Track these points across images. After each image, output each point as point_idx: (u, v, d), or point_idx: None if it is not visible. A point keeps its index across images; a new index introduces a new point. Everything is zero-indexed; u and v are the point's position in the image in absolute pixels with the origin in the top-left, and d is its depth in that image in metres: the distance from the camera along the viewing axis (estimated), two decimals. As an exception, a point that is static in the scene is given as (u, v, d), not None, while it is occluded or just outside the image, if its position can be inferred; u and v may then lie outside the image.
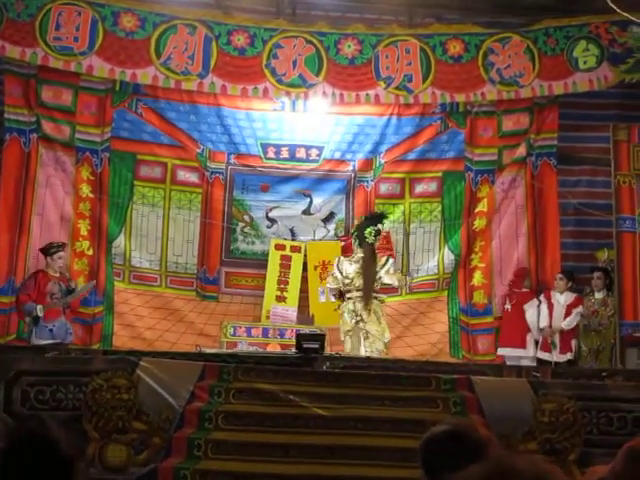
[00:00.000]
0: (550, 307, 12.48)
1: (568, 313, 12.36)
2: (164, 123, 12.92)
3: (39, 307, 11.12)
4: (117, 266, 12.62)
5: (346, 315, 11.21)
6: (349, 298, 11.24)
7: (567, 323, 12.32)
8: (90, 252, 12.47)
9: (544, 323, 12.48)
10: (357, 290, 11.23)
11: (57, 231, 12.40)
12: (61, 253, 11.61)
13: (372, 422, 7.43)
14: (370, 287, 11.26)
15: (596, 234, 13.33)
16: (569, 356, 12.30)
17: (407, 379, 7.78)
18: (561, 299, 12.47)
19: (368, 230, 11.30)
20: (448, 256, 13.17)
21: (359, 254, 11.39)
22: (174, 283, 12.86)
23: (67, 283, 11.54)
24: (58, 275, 11.51)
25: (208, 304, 12.87)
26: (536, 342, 12.57)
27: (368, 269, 11.27)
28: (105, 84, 12.58)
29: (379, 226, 11.45)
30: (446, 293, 13.07)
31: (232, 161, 13.09)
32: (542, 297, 12.65)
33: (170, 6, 12.50)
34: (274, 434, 7.30)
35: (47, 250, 11.63)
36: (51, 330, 11.18)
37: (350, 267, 11.34)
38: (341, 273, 11.36)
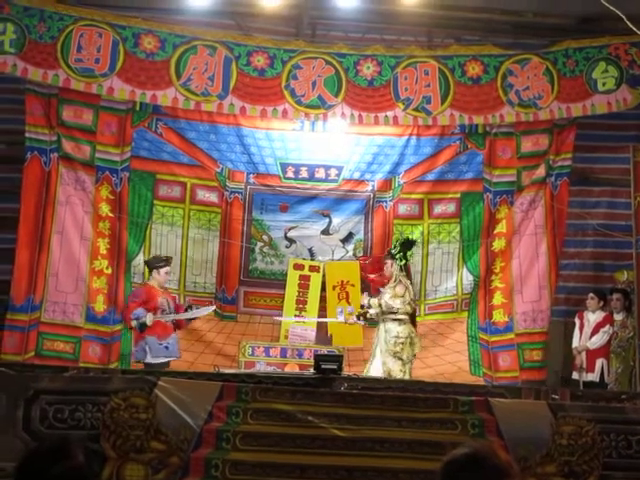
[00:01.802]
0: (581, 327, 12.42)
1: (595, 332, 12.28)
2: (184, 143, 12.97)
3: (149, 315, 10.84)
4: (136, 285, 12.64)
5: (417, 340, 11.49)
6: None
7: (593, 342, 12.20)
8: (109, 271, 12.51)
9: (575, 343, 12.43)
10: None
11: (77, 250, 12.45)
12: (167, 268, 11.38)
13: (390, 443, 7.41)
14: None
15: (616, 255, 13.32)
16: (591, 377, 12.21)
17: (425, 400, 7.74)
18: (591, 318, 12.39)
19: (410, 252, 11.66)
20: (467, 277, 13.15)
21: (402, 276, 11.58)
22: (193, 303, 12.85)
23: (185, 305, 11.54)
24: (162, 290, 11.30)
25: (226, 324, 12.88)
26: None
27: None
28: (126, 104, 12.65)
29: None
30: (465, 314, 13.04)
31: (251, 181, 13.12)
32: (576, 317, 12.59)
33: (190, 27, 12.58)
34: (292, 455, 7.28)
35: (153, 263, 11.48)
36: (167, 347, 10.96)
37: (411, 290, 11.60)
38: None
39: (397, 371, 11.19)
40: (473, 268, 13.12)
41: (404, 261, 11.63)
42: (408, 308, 11.43)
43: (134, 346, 11.35)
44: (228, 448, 7.22)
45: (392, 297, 11.41)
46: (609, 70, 12.67)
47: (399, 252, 11.66)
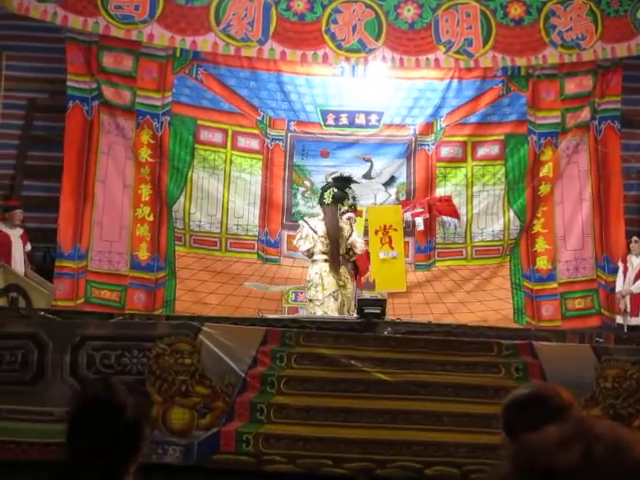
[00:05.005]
0: (625, 271, 12.33)
1: (639, 276, 12.19)
2: (224, 90, 12.94)
3: None
4: (178, 230, 12.68)
5: (331, 277, 10.37)
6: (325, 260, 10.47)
7: (637, 286, 12.12)
8: (151, 218, 12.55)
9: (619, 287, 12.35)
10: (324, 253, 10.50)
11: (120, 198, 12.52)
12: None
13: (434, 387, 7.43)
14: (336, 249, 10.49)
15: (660, 198, 13.20)
16: (635, 321, 12.13)
17: (469, 344, 7.74)
18: (635, 262, 12.29)
19: (328, 192, 10.57)
20: (514, 222, 13.02)
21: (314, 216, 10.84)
22: (235, 246, 12.88)
23: None
24: None
25: (270, 267, 12.88)
26: None
27: (333, 231, 10.46)
28: (166, 50, 12.63)
29: (347, 191, 10.71)
30: (508, 259, 12.97)
31: (292, 128, 13.08)
32: (619, 261, 12.49)
33: (230, -28, 12.50)
34: (336, 398, 7.34)
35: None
36: None
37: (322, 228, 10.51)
38: (316, 232, 10.42)
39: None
40: (520, 212, 12.99)
41: (317, 200, 10.89)
42: (321, 246, 10.40)
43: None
44: (273, 392, 7.28)
45: (297, 240, 10.65)
46: (654, 9, 12.47)
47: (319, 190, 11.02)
